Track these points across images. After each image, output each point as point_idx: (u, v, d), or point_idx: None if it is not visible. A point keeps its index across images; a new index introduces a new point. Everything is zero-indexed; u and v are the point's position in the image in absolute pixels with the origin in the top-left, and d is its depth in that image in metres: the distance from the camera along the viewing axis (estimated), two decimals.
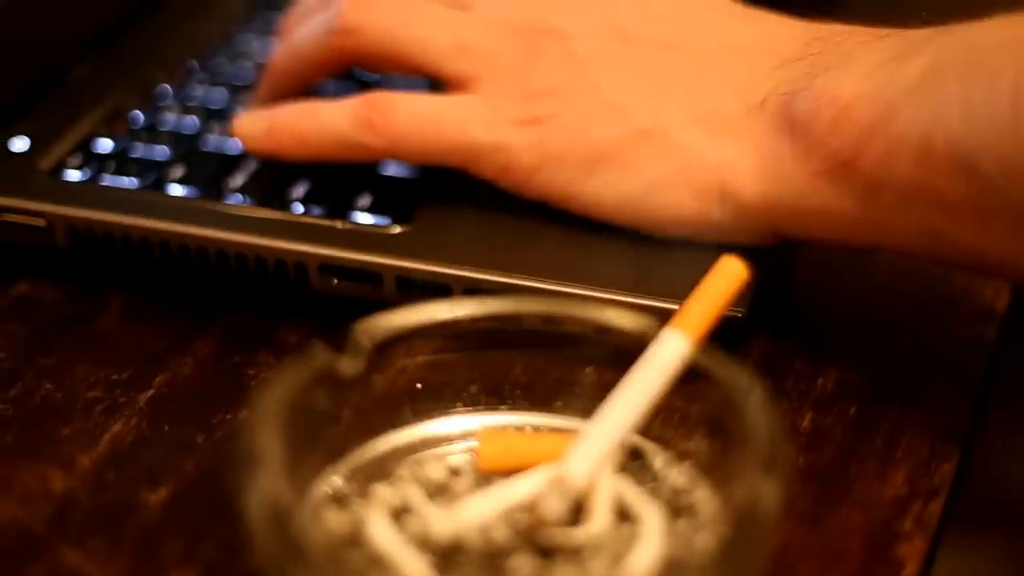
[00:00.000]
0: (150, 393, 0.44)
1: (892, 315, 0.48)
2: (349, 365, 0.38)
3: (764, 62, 0.44)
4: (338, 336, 0.45)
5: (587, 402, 0.39)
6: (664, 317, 0.41)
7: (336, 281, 0.45)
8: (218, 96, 0.55)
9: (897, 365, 0.45)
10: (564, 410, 0.40)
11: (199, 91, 0.55)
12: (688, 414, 0.39)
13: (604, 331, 0.39)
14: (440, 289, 0.44)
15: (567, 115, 0.44)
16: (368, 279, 0.45)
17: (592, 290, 0.43)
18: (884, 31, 0.44)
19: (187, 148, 0.51)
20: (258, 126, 0.47)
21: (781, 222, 0.43)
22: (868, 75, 0.41)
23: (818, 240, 0.44)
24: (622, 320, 0.38)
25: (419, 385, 0.40)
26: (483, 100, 0.45)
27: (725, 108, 0.44)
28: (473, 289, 0.44)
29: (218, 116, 0.53)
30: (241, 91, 0.55)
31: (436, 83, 0.48)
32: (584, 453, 0.36)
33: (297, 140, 0.47)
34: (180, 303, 0.47)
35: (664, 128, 0.44)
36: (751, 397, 0.36)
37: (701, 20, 0.46)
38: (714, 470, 0.38)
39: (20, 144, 0.51)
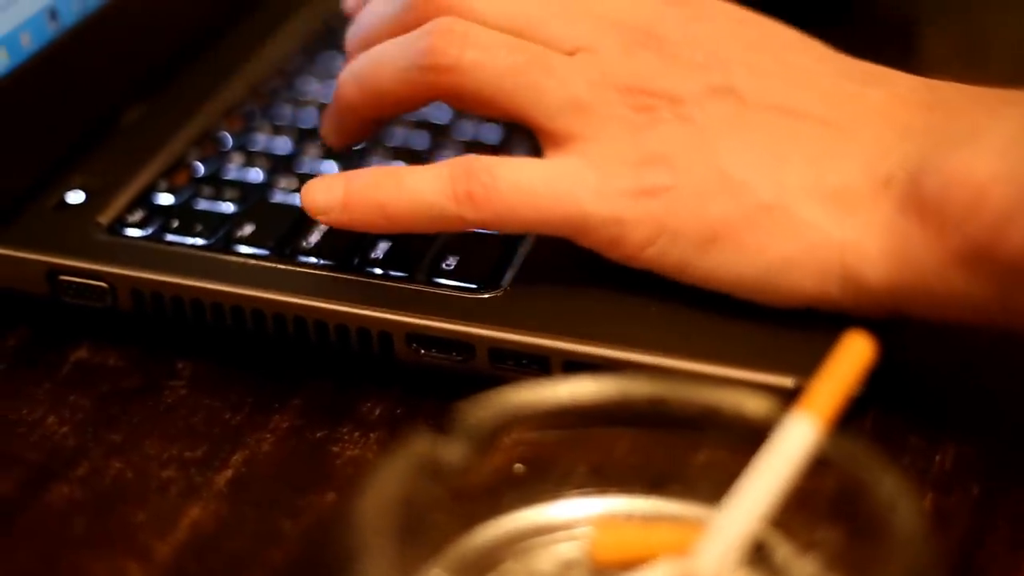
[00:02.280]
0: (228, 473, 0.42)
1: (1007, 382, 0.46)
2: (451, 451, 0.37)
3: (889, 132, 0.42)
4: (423, 409, 0.44)
5: (702, 486, 0.37)
6: (781, 395, 0.40)
7: (423, 351, 0.44)
8: (282, 144, 0.53)
9: (1019, 438, 0.44)
10: (678, 494, 0.38)
11: (261, 138, 0.54)
12: (813, 499, 0.37)
13: (720, 411, 0.37)
14: (536, 361, 0.43)
15: (683, 187, 0.42)
16: (458, 349, 0.43)
17: (703, 364, 0.42)
18: (1008, 94, 0.42)
19: (253, 201, 0.49)
20: (332, 196, 0.44)
21: (906, 305, 0.42)
22: (1001, 152, 0.39)
23: (945, 321, 0.42)
24: (739, 401, 0.37)
25: (523, 468, 0.38)
26: (592, 165, 0.43)
27: (850, 183, 0.42)
28: (573, 363, 0.42)
29: (284, 165, 0.52)
30: (306, 138, 0.53)
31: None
32: (715, 547, 0.34)
33: (379, 213, 0.44)
34: (253, 372, 0.46)
35: (786, 204, 0.42)
36: (885, 481, 0.35)
37: (817, 81, 0.44)
38: (844, 561, 0.36)
39: (75, 197, 0.50)
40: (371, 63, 0.45)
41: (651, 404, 0.38)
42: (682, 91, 0.43)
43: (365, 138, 0.49)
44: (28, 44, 0.51)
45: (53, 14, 0.53)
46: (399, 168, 0.45)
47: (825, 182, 0.42)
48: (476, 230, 0.46)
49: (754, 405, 0.37)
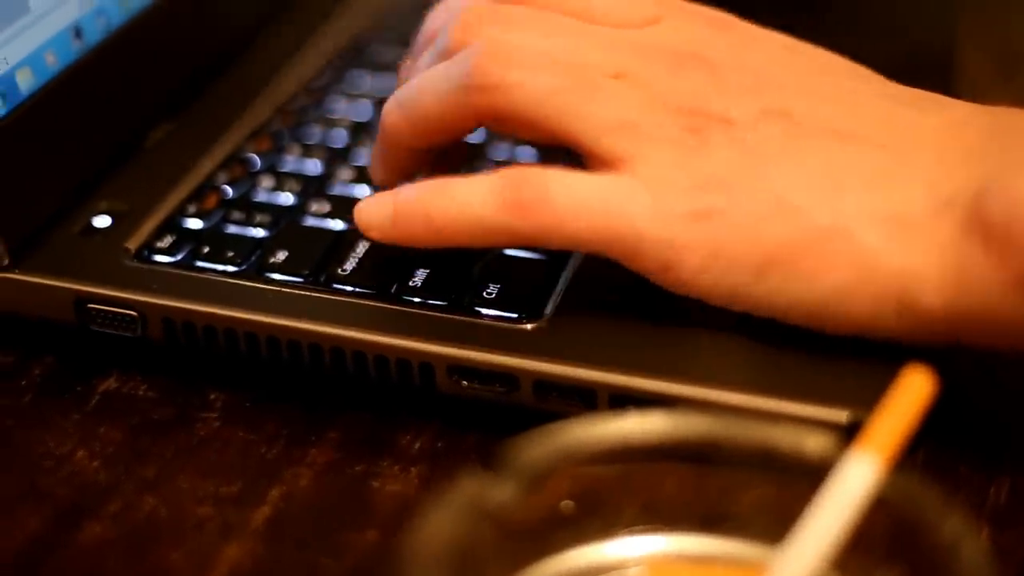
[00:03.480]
0: (266, 510, 0.41)
1: None
2: (502, 490, 0.36)
3: (949, 156, 0.42)
4: (464, 442, 0.44)
5: (755, 524, 0.37)
6: (834, 429, 0.40)
7: (466, 383, 0.43)
8: (312, 165, 0.53)
9: None
10: (730, 533, 0.38)
11: (290, 159, 0.53)
12: (870, 538, 0.37)
13: (774, 449, 0.37)
14: (581, 394, 0.42)
15: (737, 211, 0.41)
16: (502, 382, 0.43)
17: (753, 397, 0.41)
18: None
19: (286, 225, 0.49)
20: (383, 212, 0.44)
21: (964, 332, 0.41)
22: None
23: (1008, 351, 0.41)
24: (794, 438, 0.36)
25: (572, 505, 0.37)
26: (646, 186, 0.42)
27: (909, 207, 0.41)
28: (621, 396, 0.42)
29: (314, 188, 0.51)
30: (337, 159, 0.53)
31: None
32: None
33: (428, 226, 0.43)
34: (287, 402, 0.45)
35: (843, 229, 0.41)
36: (946, 521, 0.34)
37: (872, 106, 0.44)
38: None
39: (101, 222, 0.49)
40: (414, 89, 0.45)
41: (703, 441, 0.37)
42: (734, 113, 0.43)
43: (413, 171, 0.48)
44: (53, 63, 0.51)
45: (78, 32, 0.52)
46: (447, 179, 0.43)
47: (883, 206, 0.41)
48: (521, 250, 0.46)
49: (809, 443, 0.36)
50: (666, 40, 0.45)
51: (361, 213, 0.44)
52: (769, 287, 0.42)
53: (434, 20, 0.49)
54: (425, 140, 0.46)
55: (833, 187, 0.42)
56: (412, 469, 0.43)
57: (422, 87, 0.45)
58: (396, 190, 0.44)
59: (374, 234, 0.44)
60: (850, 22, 0.64)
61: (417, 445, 0.44)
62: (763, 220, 0.42)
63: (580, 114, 0.43)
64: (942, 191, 0.41)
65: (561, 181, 0.42)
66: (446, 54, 0.45)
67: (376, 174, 0.48)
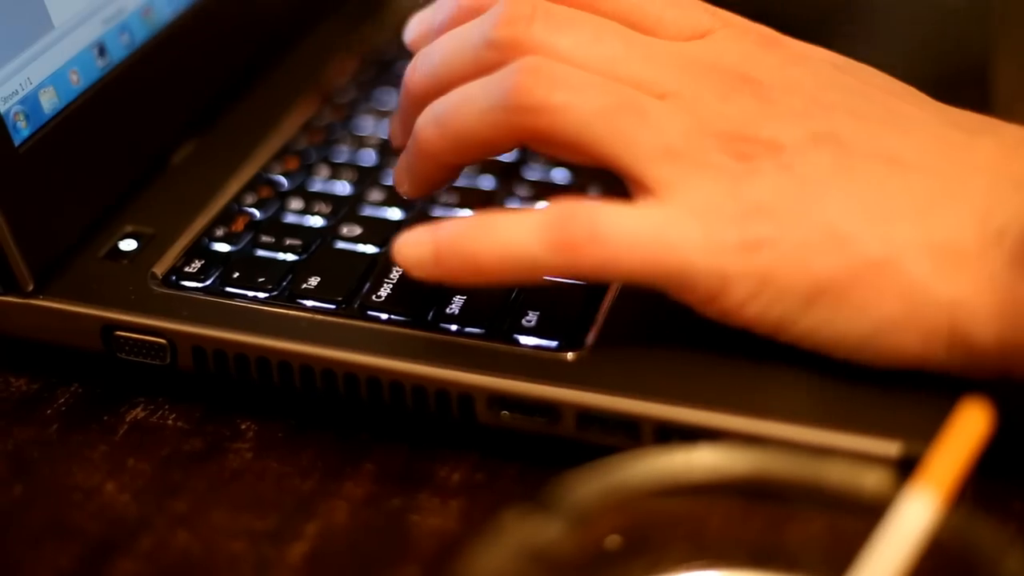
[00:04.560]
0: (302, 546, 0.41)
1: None
2: (550, 529, 0.35)
3: (1000, 183, 0.41)
4: (503, 474, 0.43)
5: (805, 561, 0.36)
6: (885, 462, 0.40)
7: (506, 415, 0.42)
8: (341, 187, 0.52)
9: None
10: (780, 569, 0.37)
11: (319, 180, 0.52)
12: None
13: (824, 484, 0.36)
14: (625, 426, 0.41)
15: (787, 240, 0.41)
16: (543, 413, 0.42)
17: (801, 429, 0.41)
18: None
19: (317, 249, 0.48)
20: (424, 251, 0.42)
21: (1018, 367, 0.40)
22: None
23: None
24: (847, 473, 0.36)
25: (619, 540, 0.37)
26: (693, 216, 0.41)
27: (960, 237, 0.40)
28: (666, 428, 0.41)
29: (345, 209, 0.50)
30: (366, 178, 0.52)
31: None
32: None
33: (472, 266, 0.41)
34: (320, 432, 0.45)
35: (894, 260, 0.40)
36: (1007, 559, 0.34)
37: (922, 129, 0.43)
38: None
39: (127, 245, 0.48)
40: (453, 105, 0.44)
41: (751, 476, 0.37)
42: (783, 138, 0.42)
43: (443, 186, 0.47)
44: (77, 82, 0.50)
45: (101, 50, 0.52)
46: (490, 215, 0.42)
47: (934, 236, 0.41)
48: (558, 281, 0.45)
49: (860, 478, 0.36)
50: (715, 58, 0.44)
51: (401, 252, 0.42)
52: (817, 318, 0.41)
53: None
54: (462, 157, 0.45)
55: (884, 216, 0.41)
56: (451, 502, 0.42)
57: (461, 103, 0.44)
58: (435, 227, 0.42)
59: (416, 273, 0.42)
60: (886, 39, 0.63)
61: (455, 477, 0.43)
62: (813, 250, 0.41)
63: (625, 140, 0.42)
64: (993, 221, 0.40)
65: (610, 216, 0.41)
66: (488, 46, 0.44)
67: (403, 185, 0.47)
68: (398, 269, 0.46)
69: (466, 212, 0.50)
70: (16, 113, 0.47)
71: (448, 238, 0.42)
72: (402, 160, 0.47)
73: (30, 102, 0.48)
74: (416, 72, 0.46)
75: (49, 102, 0.49)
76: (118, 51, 0.52)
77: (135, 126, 0.52)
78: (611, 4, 0.45)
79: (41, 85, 0.48)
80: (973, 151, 0.42)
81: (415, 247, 0.42)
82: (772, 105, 0.43)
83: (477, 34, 0.44)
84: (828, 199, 0.41)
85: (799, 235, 0.41)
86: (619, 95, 0.42)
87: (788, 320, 0.41)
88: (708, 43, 0.45)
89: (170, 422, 0.45)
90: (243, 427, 0.45)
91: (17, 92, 0.47)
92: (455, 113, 0.44)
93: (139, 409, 0.46)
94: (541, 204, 0.42)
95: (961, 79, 0.60)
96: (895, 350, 0.41)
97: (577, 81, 0.42)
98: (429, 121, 0.44)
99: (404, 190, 0.47)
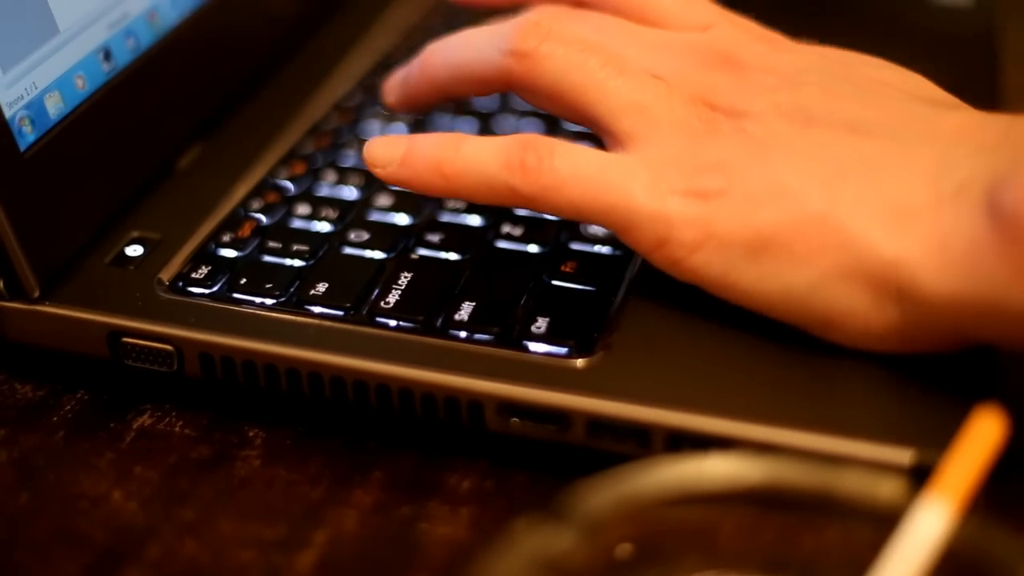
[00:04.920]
0: (311, 554, 0.40)
1: None
2: (561, 539, 0.35)
3: (960, 149, 0.42)
4: (513, 482, 0.43)
5: (818, 570, 0.36)
6: (898, 470, 0.39)
7: (516, 422, 0.42)
8: (348, 192, 0.52)
9: None
10: None
11: (326, 186, 0.52)
12: None
13: (837, 493, 0.36)
14: (636, 434, 0.41)
15: (735, 193, 0.43)
16: (554, 420, 0.42)
17: (814, 436, 0.40)
18: None
19: (324, 255, 0.48)
20: (393, 152, 0.46)
21: (972, 324, 0.40)
22: None
23: (1014, 344, 0.41)
24: (859, 482, 0.36)
25: (630, 549, 0.37)
26: (647, 163, 0.44)
27: (911, 197, 0.41)
28: (677, 436, 0.41)
29: (352, 214, 0.50)
30: (374, 183, 0.52)
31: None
32: None
33: (436, 171, 0.45)
34: (328, 440, 0.45)
35: (838, 216, 0.41)
36: (1023, 569, 0.34)
37: (894, 104, 0.44)
38: None
39: (132, 251, 0.48)
40: (458, 40, 0.49)
41: (764, 485, 0.37)
42: (748, 107, 0.45)
43: (427, 108, 0.53)
44: (83, 87, 0.50)
45: (107, 54, 0.51)
46: (462, 135, 0.46)
47: (882, 195, 0.42)
48: (568, 287, 0.45)
49: (873, 486, 0.36)
50: (707, 44, 0.47)
51: (371, 150, 0.46)
52: (761, 271, 0.42)
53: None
54: (453, 86, 0.49)
55: (832, 175, 0.42)
56: (461, 510, 0.42)
57: (467, 40, 0.48)
58: (411, 136, 0.46)
59: (379, 171, 0.46)
60: (894, 41, 0.63)
61: (465, 485, 0.43)
62: (758, 202, 0.42)
63: (599, 90, 0.45)
64: (949, 180, 0.41)
65: (566, 150, 0.44)
66: (501, 55, 0.48)
67: (391, 95, 0.52)
68: (406, 275, 0.46)
69: (475, 219, 0.50)
70: (22, 118, 0.47)
71: (419, 144, 0.46)
72: (398, 74, 0.52)
73: (36, 107, 0.48)
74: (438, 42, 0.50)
75: (55, 107, 0.48)
76: (123, 56, 0.52)
77: (141, 131, 0.52)
78: (616, 1, 0.49)
79: (47, 90, 0.48)
80: (937, 122, 0.43)
81: (385, 147, 0.46)
82: (747, 81, 0.46)
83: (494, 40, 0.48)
84: (779, 158, 0.43)
85: (746, 188, 0.43)
86: (602, 53, 0.46)
87: (732, 273, 0.43)
88: (705, 34, 0.48)
89: (177, 429, 0.45)
90: (251, 434, 0.45)
91: (23, 97, 0.47)
92: (460, 47, 0.49)
93: (146, 416, 0.46)
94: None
95: (970, 81, 0.60)
96: (843, 308, 0.42)
97: (567, 36, 0.46)
98: (437, 47, 0.49)
99: (391, 100, 0.52)
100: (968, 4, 0.68)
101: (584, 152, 0.44)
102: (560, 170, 0.44)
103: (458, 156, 0.45)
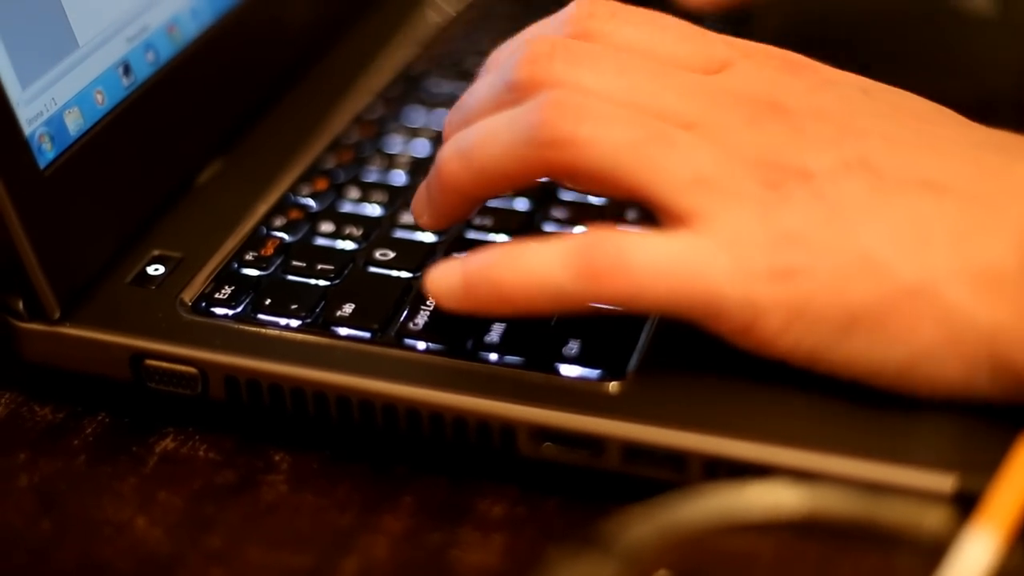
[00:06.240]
0: None
1: None
2: (601, 571, 0.35)
3: None
4: (545, 508, 0.43)
5: None
6: (943, 498, 0.39)
7: (548, 448, 0.42)
8: (371, 209, 0.51)
9: None
10: None
11: (348, 203, 0.52)
12: None
13: (879, 521, 0.36)
14: (672, 460, 0.41)
15: (820, 269, 0.41)
16: (587, 446, 0.42)
17: (853, 461, 0.40)
18: None
19: (350, 275, 0.48)
20: (453, 282, 0.42)
21: None
22: None
23: None
24: (900, 509, 0.36)
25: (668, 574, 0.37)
26: (723, 245, 0.41)
27: (1000, 261, 0.40)
28: (716, 461, 0.41)
29: (377, 232, 0.50)
30: (399, 199, 0.52)
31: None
32: None
33: (500, 296, 0.42)
34: (356, 464, 0.44)
35: (931, 287, 0.40)
36: None
37: (957, 153, 0.43)
38: None
39: (153, 270, 0.48)
40: (477, 138, 0.44)
41: (807, 514, 0.36)
42: (813, 166, 0.42)
43: (464, 219, 0.48)
44: (102, 103, 0.50)
45: (126, 69, 0.51)
46: (518, 244, 0.42)
47: (971, 262, 0.40)
48: (598, 308, 0.45)
49: (921, 516, 0.36)
50: (740, 87, 0.44)
51: (431, 284, 0.43)
52: (853, 348, 0.41)
53: (500, 53, 0.48)
54: (485, 191, 0.45)
55: (919, 242, 0.41)
56: (493, 536, 0.42)
57: (486, 137, 0.43)
58: (464, 258, 0.43)
59: (446, 304, 0.43)
60: (921, 62, 0.63)
61: (496, 510, 0.43)
62: (847, 278, 0.41)
63: (654, 170, 0.42)
64: None
65: (637, 245, 0.41)
66: (511, 88, 0.44)
67: (422, 217, 0.47)
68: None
69: (501, 236, 0.49)
70: (41, 135, 0.47)
71: (476, 268, 0.42)
72: (422, 191, 0.47)
73: (55, 123, 0.47)
74: (449, 121, 0.46)
75: (74, 123, 0.48)
76: (143, 69, 0.52)
77: (161, 146, 0.52)
78: (623, 43, 0.45)
79: (66, 106, 0.48)
80: (1010, 174, 0.42)
81: (445, 278, 0.42)
82: (801, 132, 0.43)
83: (499, 79, 0.45)
84: (861, 226, 0.41)
85: (832, 263, 0.41)
86: (646, 126, 0.42)
87: (823, 350, 0.41)
88: (732, 73, 0.45)
89: (201, 453, 0.45)
90: (276, 458, 0.45)
91: (42, 113, 0.47)
92: (480, 147, 0.43)
93: (169, 439, 0.46)
94: (578, 228, 0.42)
95: (997, 101, 0.60)
96: (936, 379, 0.41)
97: (603, 113, 0.42)
98: (453, 154, 0.44)
99: (424, 222, 0.47)
100: (993, 15, 0.67)
101: (654, 243, 0.41)
102: (636, 271, 0.41)
103: (522, 275, 0.41)
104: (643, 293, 0.41)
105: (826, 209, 0.41)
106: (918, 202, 0.41)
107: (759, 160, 0.42)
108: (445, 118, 0.47)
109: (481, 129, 0.44)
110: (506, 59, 0.45)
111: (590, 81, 0.43)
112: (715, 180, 0.41)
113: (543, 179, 0.44)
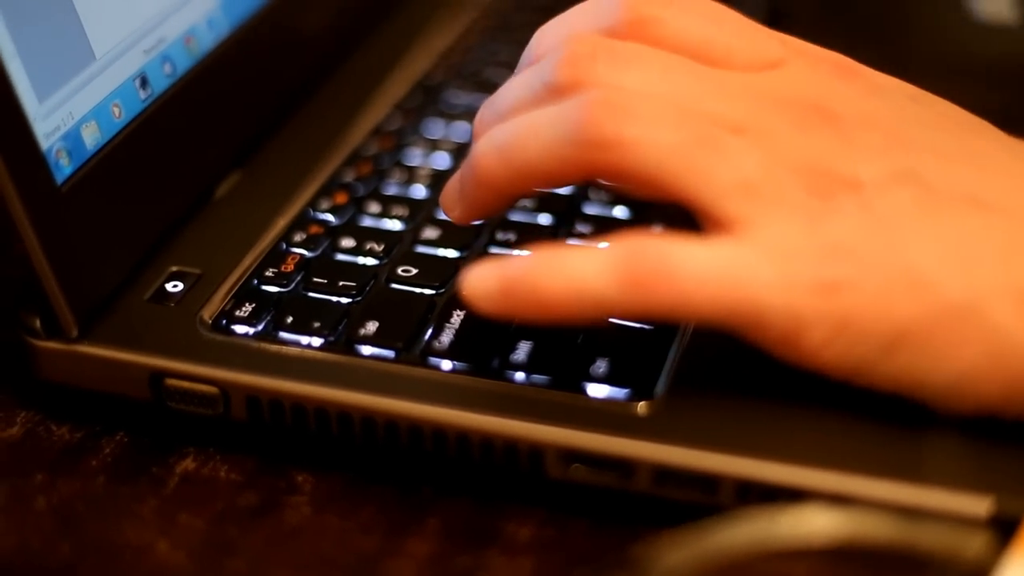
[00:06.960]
0: None
1: None
2: None
3: None
4: (573, 530, 0.42)
5: None
6: (979, 522, 0.39)
7: (577, 470, 0.42)
8: (392, 224, 0.51)
9: None
10: None
11: (369, 217, 0.52)
12: None
13: (916, 544, 0.36)
14: (703, 483, 0.41)
15: (867, 283, 0.40)
16: (617, 468, 0.41)
17: (888, 483, 0.40)
18: None
19: (372, 292, 0.47)
20: (490, 285, 0.41)
21: None
22: None
23: None
24: (936, 534, 0.35)
25: None
26: (768, 254, 0.40)
27: None
28: (748, 484, 0.40)
29: (399, 247, 0.50)
30: (420, 213, 0.51)
31: None
32: None
33: (539, 302, 0.40)
34: (380, 485, 0.44)
35: (978, 305, 0.40)
36: None
37: (1003, 168, 0.43)
38: None
39: (172, 287, 0.48)
40: (517, 136, 0.43)
41: (844, 539, 0.36)
42: (863, 175, 0.41)
43: (496, 215, 0.47)
44: (119, 116, 0.49)
45: (143, 82, 0.51)
46: (558, 250, 0.41)
47: (1018, 281, 0.40)
48: (627, 325, 0.44)
49: (961, 541, 0.35)
50: (790, 90, 0.43)
51: (467, 287, 0.42)
52: (897, 364, 0.41)
53: (541, 43, 0.46)
54: (521, 188, 0.44)
55: (966, 259, 0.40)
56: (521, 559, 0.41)
57: (526, 134, 0.42)
58: (502, 262, 0.42)
59: (482, 307, 0.41)
60: (948, 68, 0.62)
61: (524, 533, 0.42)
62: (894, 294, 0.40)
63: (701, 174, 0.41)
64: None
65: (681, 253, 0.40)
66: (550, 89, 0.43)
67: (453, 210, 0.46)
68: (459, 313, 0.46)
69: (524, 252, 0.49)
70: (58, 150, 0.46)
71: (515, 273, 0.41)
72: (454, 183, 0.46)
73: (72, 138, 0.47)
74: (482, 117, 0.45)
75: (91, 137, 0.48)
76: (160, 82, 0.52)
77: (179, 159, 0.52)
78: (677, 38, 0.44)
79: (83, 120, 0.48)
80: None
81: (482, 281, 0.41)
82: (851, 140, 0.42)
83: (537, 79, 0.44)
84: (909, 241, 0.41)
85: (879, 277, 0.40)
86: (694, 129, 0.41)
87: (866, 365, 0.41)
88: (781, 74, 0.44)
89: (222, 474, 0.45)
90: (299, 480, 0.44)
91: (59, 128, 0.46)
92: (519, 144, 0.43)
93: (189, 460, 0.45)
94: (603, 243, 0.41)
95: (1018, 102, 0.60)
96: (977, 399, 0.40)
97: (649, 114, 0.41)
98: (490, 149, 0.43)
99: (455, 215, 0.46)
100: (1014, 21, 0.67)
101: (698, 251, 0.40)
102: (680, 279, 0.40)
103: (562, 280, 0.40)
104: (688, 302, 0.40)
105: (874, 221, 0.41)
106: (965, 218, 0.41)
107: (807, 167, 0.41)
108: (476, 114, 0.46)
109: (520, 125, 0.43)
110: (546, 53, 0.44)
111: (633, 82, 0.42)
112: (762, 187, 0.41)
113: (583, 180, 0.44)
